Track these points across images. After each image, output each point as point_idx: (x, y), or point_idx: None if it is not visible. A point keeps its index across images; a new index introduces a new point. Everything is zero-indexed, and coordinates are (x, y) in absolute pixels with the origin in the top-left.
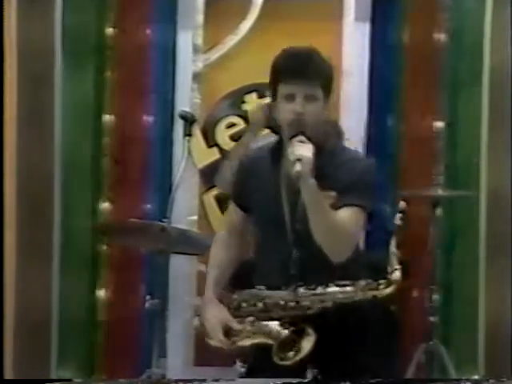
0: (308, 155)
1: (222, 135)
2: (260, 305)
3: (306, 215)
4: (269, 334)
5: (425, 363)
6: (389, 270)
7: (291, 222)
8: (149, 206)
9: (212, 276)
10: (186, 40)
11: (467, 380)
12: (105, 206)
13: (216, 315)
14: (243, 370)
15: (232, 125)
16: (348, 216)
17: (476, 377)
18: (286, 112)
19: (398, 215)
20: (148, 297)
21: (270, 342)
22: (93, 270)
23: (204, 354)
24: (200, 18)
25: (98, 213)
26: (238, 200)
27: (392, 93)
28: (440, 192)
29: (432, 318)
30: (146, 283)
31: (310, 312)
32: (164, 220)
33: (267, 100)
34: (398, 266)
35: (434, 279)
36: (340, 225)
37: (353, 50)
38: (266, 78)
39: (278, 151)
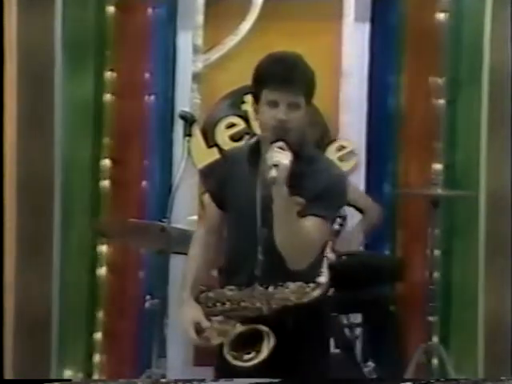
0: (285, 162)
1: (222, 135)
2: (228, 305)
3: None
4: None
5: (424, 363)
6: (317, 272)
7: (261, 225)
8: (149, 206)
9: (190, 277)
10: (186, 40)
11: (466, 380)
12: (105, 206)
13: (189, 314)
14: None
15: (232, 125)
16: (312, 226)
17: (475, 377)
18: (268, 118)
19: (338, 220)
20: (148, 297)
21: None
22: (93, 269)
23: (204, 354)
24: (200, 18)
25: (98, 213)
26: (215, 197)
27: (391, 93)
28: (439, 192)
29: (431, 318)
30: (145, 283)
31: (264, 313)
32: (164, 220)
33: None
34: (325, 270)
35: (433, 279)
36: (303, 234)
37: (352, 50)
38: None
39: (255, 154)
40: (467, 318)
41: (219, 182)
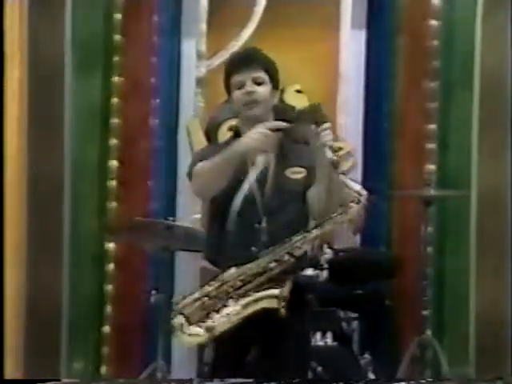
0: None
1: (224, 137)
2: (238, 283)
3: (274, 189)
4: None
5: (418, 355)
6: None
7: (261, 197)
8: (154, 205)
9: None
10: (190, 47)
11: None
12: (112, 205)
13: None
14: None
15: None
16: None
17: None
18: (239, 96)
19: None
20: (153, 291)
21: (271, 305)
22: (101, 266)
23: None
24: (203, 26)
25: (105, 212)
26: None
27: (387, 96)
28: (432, 192)
29: (425, 312)
30: (151, 278)
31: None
32: (169, 218)
33: None
34: (356, 195)
35: (426, 275)
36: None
37: (350, 56)
38: None
39: (237, 136)
40: (459, 312)
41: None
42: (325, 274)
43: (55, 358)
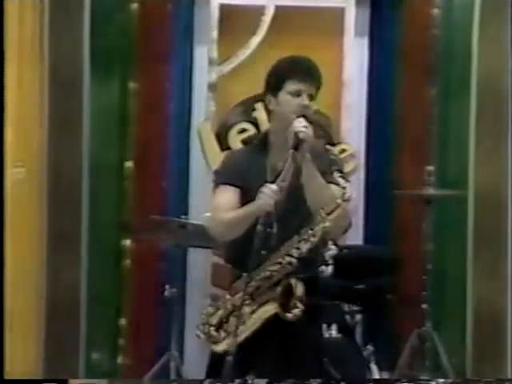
0: (309, 131)
1: (234, 139)
2: (249, 289)
3: (287, 196)
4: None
5: (418, 347)
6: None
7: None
8: (168, 204)
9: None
10: (202, 53)
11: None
12: (129, 203)
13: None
14: None
15: (243, 130)
16: (334, 189)
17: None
18: (292, 105)
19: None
20: (167, 286)
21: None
22: (118, 261)
23: None
24: (214, 33)
25: (122, 210)
26: (233, 180)
27: (388, 100)
28: (432, 191)
29: (425, 306)
30: (165, 274)
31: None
32: (182, 217)
33: None
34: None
35: (426, 270)
36: (330, 194)
37: (353, 62)
38: None
39: (263, 144)
40: (457, 306)
41: (233, 169)
42: (330, 269)
43: (75, 348)
